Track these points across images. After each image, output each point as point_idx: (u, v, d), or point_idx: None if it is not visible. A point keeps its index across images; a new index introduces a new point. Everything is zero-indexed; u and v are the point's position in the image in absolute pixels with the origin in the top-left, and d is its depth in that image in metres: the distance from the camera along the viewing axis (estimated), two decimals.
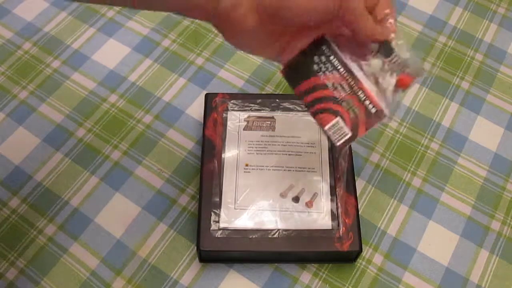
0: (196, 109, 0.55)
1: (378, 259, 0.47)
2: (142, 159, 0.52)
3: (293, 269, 0.46)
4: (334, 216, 0.45)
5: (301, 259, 0.47)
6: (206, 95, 0.52)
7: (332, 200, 0.46)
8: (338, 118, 0.36)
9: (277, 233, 0.44)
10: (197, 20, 0.61)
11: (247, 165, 0.48)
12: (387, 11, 0.36)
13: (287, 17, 0.33)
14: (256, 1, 0.33)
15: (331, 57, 0.36)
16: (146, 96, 0.56)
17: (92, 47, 0.59)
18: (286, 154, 0.49)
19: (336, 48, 0.37)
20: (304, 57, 0.37)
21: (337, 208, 0.45)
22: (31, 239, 0.47)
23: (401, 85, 0.36)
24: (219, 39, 0.60)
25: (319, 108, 0.37)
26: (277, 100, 0.51)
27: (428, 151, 0.53)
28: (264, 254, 0.45)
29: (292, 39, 0.37)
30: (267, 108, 0.51)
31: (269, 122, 0.50)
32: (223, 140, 0.49)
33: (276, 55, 0.38)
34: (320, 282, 0.46)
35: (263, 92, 0.56)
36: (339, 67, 0.36)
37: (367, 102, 0.36)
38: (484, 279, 0.46)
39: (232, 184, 0.47)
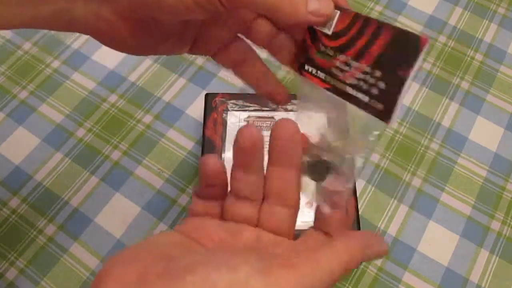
0: (196, 109, 0.55)
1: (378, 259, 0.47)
2: (142, 159, 0.52)
3: None
4: None
5: None
6: (206, 95, 0.52)
7: None
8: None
9: None
10: None
11: None
12: None
13: (155, 17, 0.27)
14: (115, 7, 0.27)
15: None
16: (146, 96, 0.56)
17: (92, 47, 0.59)
18: None
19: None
20: None
21: None
22: (31, 239, 0.47)
23: None
24: None
25: None
26: None
27: (428, 151, 0.53)
28: None
29: (201, 29, 0.31)
30: (267, 108, 0.51)
31: (269, 122, 0.50)
32: (223, 140, 0.49)
33: (194, 50, 0.33)
34: None
35: None
36: None
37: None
38: (484, 279, 0.46)
39: None
